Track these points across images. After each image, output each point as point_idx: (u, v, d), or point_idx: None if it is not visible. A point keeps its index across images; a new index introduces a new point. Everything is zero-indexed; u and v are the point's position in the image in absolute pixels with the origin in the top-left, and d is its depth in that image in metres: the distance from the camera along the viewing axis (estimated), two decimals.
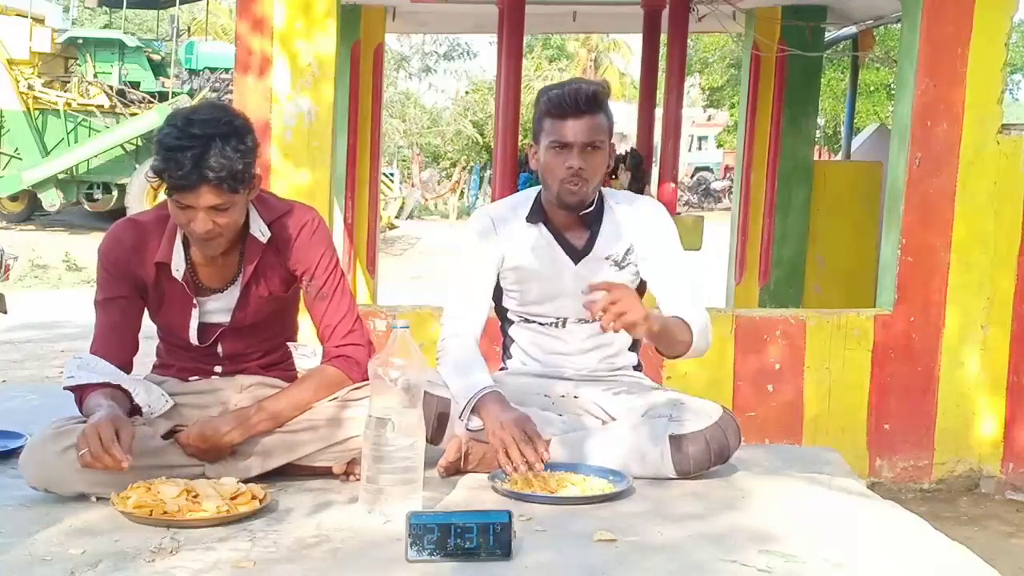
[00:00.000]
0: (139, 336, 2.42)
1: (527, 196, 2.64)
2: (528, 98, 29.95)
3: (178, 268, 2.34)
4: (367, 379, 2.33)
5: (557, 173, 2.46)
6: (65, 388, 2.32)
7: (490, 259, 2.60)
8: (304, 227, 2.39)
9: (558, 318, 2.63)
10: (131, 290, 2.37)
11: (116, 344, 2.36)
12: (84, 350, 2.38)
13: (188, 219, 2.21)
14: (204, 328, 2.42)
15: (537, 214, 2.58)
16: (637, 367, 2.74)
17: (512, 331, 2.72)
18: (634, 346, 2.73)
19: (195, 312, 2.39)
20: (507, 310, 2.71)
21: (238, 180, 2.17)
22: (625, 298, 2.23)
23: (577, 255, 2.57)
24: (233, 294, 2.40)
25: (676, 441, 2.43)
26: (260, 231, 2.35)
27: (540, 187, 2.60)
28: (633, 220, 2.59)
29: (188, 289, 2.37)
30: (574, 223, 2.57)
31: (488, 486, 2.35)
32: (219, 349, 2.46)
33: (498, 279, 2.64)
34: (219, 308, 2.41)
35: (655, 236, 2.58)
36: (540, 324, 2.65)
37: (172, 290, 2.37)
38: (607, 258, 2.58)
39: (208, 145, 2.13)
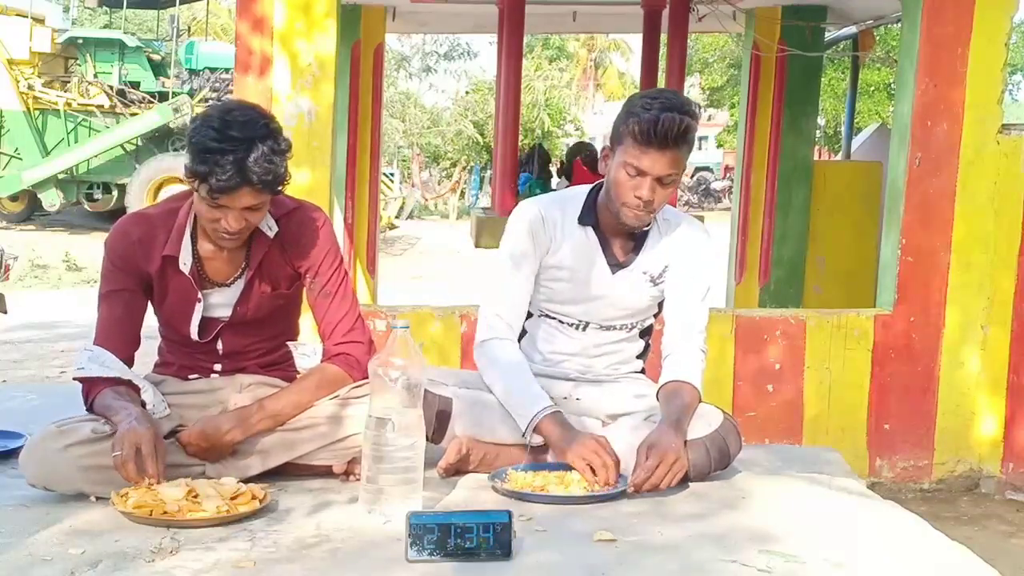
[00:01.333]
0: (141, 333, 2.42)
1: (578, 194, 2.59)
2: (528, 98, 29.81)
3: (185, 262, 2.35)
4: (367, 377, 2.34)
5: (625, 197, 2.41)
6: (75, 378, 2.33)
7: (535, 255, 2.55)
8: (311, 225, 2.41)
9: (581, 321, 2.61)
10: (135, 283, 2.37)
11: (118, 338, 2.36)
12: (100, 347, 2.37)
13: (220, 217, 2.22)
14: (205, 323, 2.43)
15: (589, 216, 2.54)
16: (640, 370, 2.73)
17: (528, 324, 2.68)
18: (642, 354, 2.72)
19: (199, 307, 2.40)
20: (531, 301, 2.67)
21: (279, 182, 2.22)
22: (668, 468, 2.28)
23: (618, 265, 2.55)
24: (237, 288, 2.41)
25: None
26: (268, 226, 2.37)
27: (591, 187, 2.57)
28: (676, 241, 2.57)
29: (194, 283, 2.37)
30: (622, 232, 2.54)
31: (488, 486, 2.35)
32: (219, 345, 2.46)
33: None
34: (222, 302, 2.42)
35: (688, 263, 2.56)
36: (561, 323, 2.63)
37: (177, 283, 2.38)
38: (644, 273, 2.56)
39: (249, 148, 2.15)
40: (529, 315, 2.67)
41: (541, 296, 2.63)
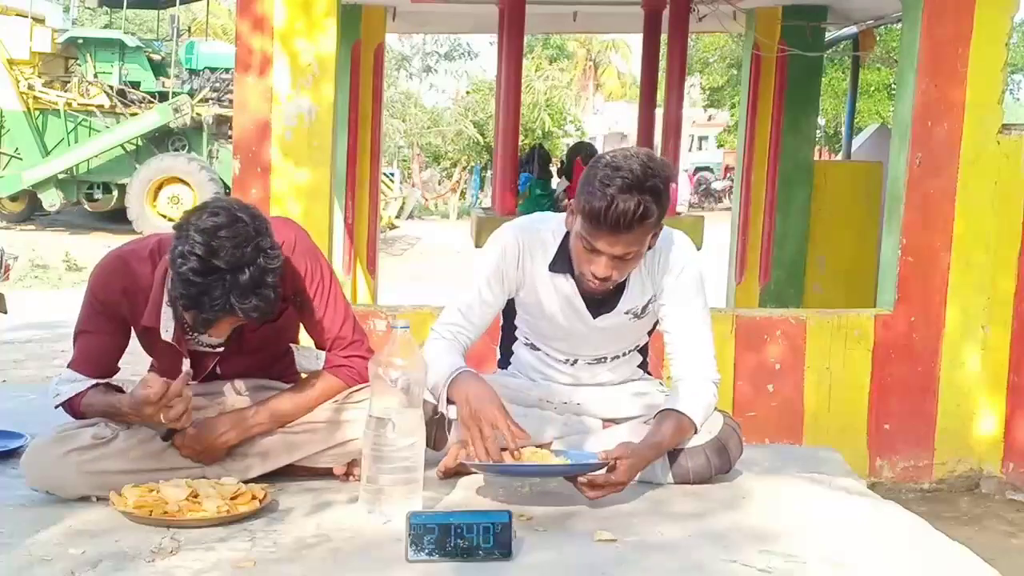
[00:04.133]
0: (119, 364, 2.36)
1: (555, 235, 2.42)
2: (529, 98, 29.65)
3: (167, 330, 2.25)
4: (367, 382, 2.32)
5: (582, 268, 2.30)
6: (56, 407, 2.29)
7: (505, 286, 2.45)
8: (289, 251, 2.25)
9: (569, 356, 2.56)
10: (116, 328, 2.31)
11: (96, 371, 2.31)
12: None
13: (206, 329, 2.16)
14: (199, 358, 2.36)
15: (563, 264, 2.39)
16: (641, 365, 2.70)
17: (516, 347, 2.64)
18: (641, 364, 2.68)
19: (186, 362, 2.31)
20: (516, 327, 2.61)
21: (273, 309, 2.11)
22: (633, 468, 2.24)
23: (598, 310, 2.44)
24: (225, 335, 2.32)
25: (675, 455, 2.41)
26: None
27: (565, 232, 2.40)
28: (660, 270, 2.43)
29: (179, 346, 2.29)
30: None
31: (488, 486, 2.34)
32: (217, 370, 2.42)
33: (513, 302, 2.53)
34: (213, 343, 2.35)
35: (677, 291, 2.44)
36: (548, 355, 2.58)
37: (162, 344, 2.29)
38: (627, 312, 2.46)
39: (237, 277, 2.00)
40: (516, 339, 2.63)
41: (525, 328, 2.58)
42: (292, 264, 2.27)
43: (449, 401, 2.34)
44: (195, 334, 2.30)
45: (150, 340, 2.34)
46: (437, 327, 2.47)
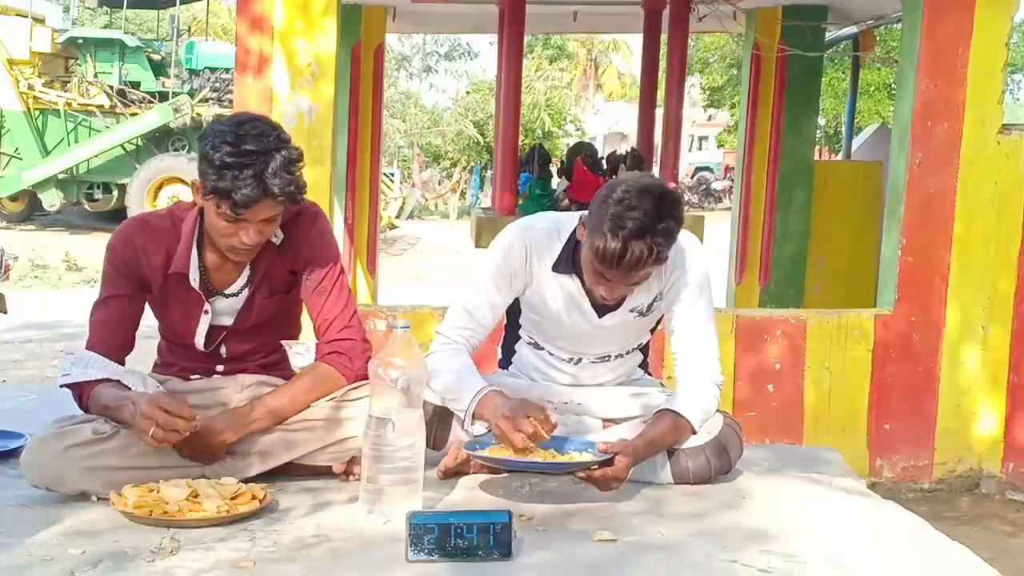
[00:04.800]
0: (135, 337, 2.39)
1: (560, 235, 2.42)
2: (529, 98, 29.60)
3: (195, 278, 2.34)
4: (361, 375, 2.34)
5: (591, 285, 2.33)
6: (61, 386, 2.31)
7: (513, 285, 2.45)
8: (307, 224, 2.39)
9: (573, 355, 2.56)
10: (135, 289, 2.36)
11: (111, 341, 2.34)
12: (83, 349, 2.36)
13: (237, 231, 2.21)
14: (209, 330, 2.41)
15: (568, 265, 2.40)
16: (641, 364, 2.70)
17: (519, 347, 2.64)
18: (642, 363, 2.68)
19: (205, 318, 2.38)
20: (520, 327, 2.61)
21: (299, 191, 2.21)
22: (627, 468, 2.25)
23: (604, 309, 2.44)
24: (242, 296, 2.40)
25: (675, 456, 2.42)
26: (275, 233, 2.35)
27: (574, 229, 2.39)
28: (667, 269, 2.40)
29: (204, 297, 2.36)
30: None
31: (488, 486, 2.34)
32: (222, 351, 2.46)
33: (518, 301, 2.52)
34: (225, 309, 2.41)
35: (682, 290, 2.44)
36: (551, 354, 2.58)
37: (181, 296, 2.36)
38: (632, 310, 2.46)
39: (267, 160, 2.14)
40: (519, 338, 2.63)
41: (530, 327, 2.58)
42: (311, 240, 2.39)
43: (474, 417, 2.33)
44: (213, 297, 2.37)
45: (167, 297, 2.37)
46: (444, 330, 2.46)
